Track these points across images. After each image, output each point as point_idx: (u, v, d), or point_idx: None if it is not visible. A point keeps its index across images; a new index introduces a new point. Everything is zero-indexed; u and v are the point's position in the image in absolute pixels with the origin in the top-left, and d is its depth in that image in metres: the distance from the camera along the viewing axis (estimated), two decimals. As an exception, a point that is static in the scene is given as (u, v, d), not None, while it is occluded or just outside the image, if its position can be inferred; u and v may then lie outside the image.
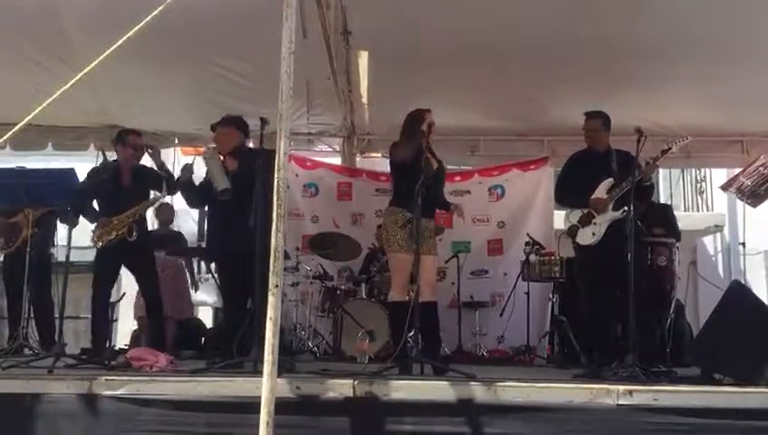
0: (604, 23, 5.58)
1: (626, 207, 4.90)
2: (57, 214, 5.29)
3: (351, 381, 3.70)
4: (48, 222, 6.25)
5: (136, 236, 5.50)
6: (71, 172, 4.82)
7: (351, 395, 3.65)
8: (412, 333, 4.46)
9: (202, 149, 5.82)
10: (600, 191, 5.24)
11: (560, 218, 7.98)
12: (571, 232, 5.36)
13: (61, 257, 5.63)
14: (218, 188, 5.13)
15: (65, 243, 5.03)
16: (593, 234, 5.21)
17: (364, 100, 7.10)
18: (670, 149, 5.13)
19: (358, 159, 8.65)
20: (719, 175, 10.41)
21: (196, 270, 8.60)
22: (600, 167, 5.32)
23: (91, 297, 5.84)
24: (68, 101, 6.11)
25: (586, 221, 5.28)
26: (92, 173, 5.54)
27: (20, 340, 5.54)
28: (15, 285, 6.21)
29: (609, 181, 5.20)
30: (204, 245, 8.80)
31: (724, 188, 7.34)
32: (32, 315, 6.55)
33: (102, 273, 5.79)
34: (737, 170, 8.19)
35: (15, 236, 6.22)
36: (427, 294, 4.93)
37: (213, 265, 8.33)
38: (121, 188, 5.68)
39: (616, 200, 5.19)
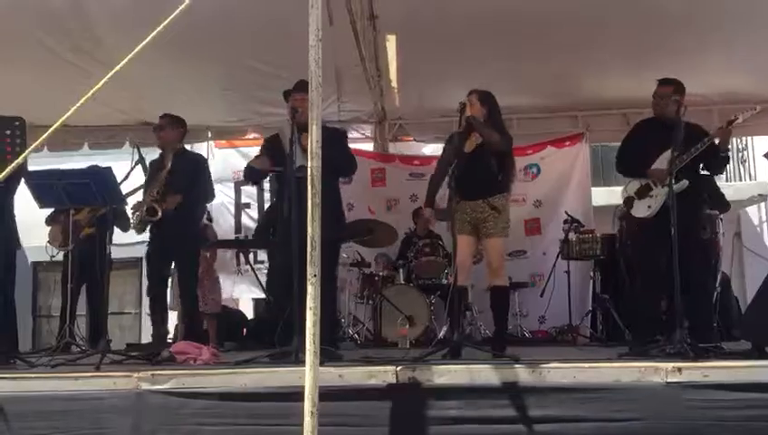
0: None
1: (685, 180, 4.75)
2: (114, 214, 5.33)
3: (394, 367, 3.69)
4: (105, 221, 6.34)
5: (160, 215, 5.44)
6: (107, 171, 4.86)
7: (395, 381, 3.64)
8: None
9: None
10: (662, 162, 4.98)
11: (597, 195, 7.91)
12: (628, 204, 5.20)
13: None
14: (297, 165, 4.57)
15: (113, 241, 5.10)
16: (649, 206, 5.02)
17: (394, 84, 7.04)
18: (737, 119, 4.93)
19: (390, 144, 8.61)
20: (761, 143, 10.16)
21: (235, 262, 8.71)
22: (666, 137, 4.93)
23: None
24: (102, 100, 6.22)
25: (643, 193, 5.09)
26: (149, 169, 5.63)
27: (66, 337, 5.62)
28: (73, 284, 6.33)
29: (670, 152, 4.98)
30: (241, 236, 8.95)
31: (768, 155, 7.10)
32: (84, 313, 6.74)
33: (151, 273, 5.84)
34: (780, 137, 8.01)
35: (74, 235, 6.34)
36: (491, 279, 4.86)
37: (251, 257, 8.48)
38: (171, 173, 5.67)
39: (677, 173, 4.84)
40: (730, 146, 5.20)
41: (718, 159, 5.12)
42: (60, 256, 6.79)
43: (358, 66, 6.55)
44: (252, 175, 5.50)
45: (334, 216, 5.25)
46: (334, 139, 5.21)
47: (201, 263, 7.06)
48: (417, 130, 8.38)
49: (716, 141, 5.01)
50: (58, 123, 3.12)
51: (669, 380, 3.53)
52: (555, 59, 6.67)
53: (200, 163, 6.16)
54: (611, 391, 3.54)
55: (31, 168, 5.27)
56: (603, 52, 6.47)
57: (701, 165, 5.08)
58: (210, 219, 7.56)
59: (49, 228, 6.95)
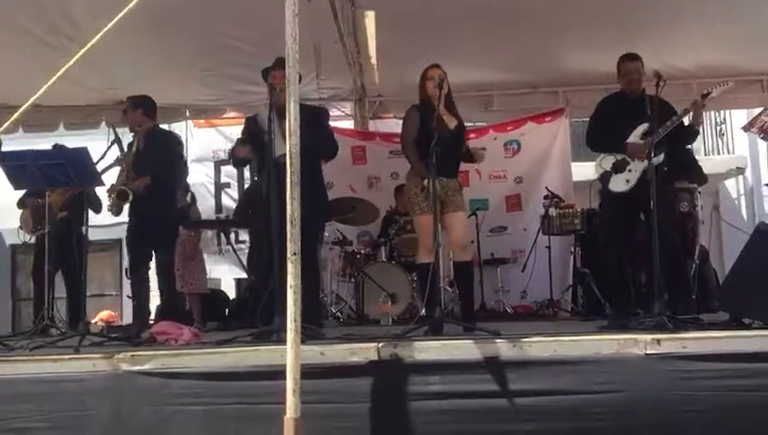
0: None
1: (662, 153, 4.77)
2: (85, 196, 5.24)
3: (375, 344, 3.69)
4: (77, 204, 6.25)
5: (131, 198, 5.37)
6: (83, 151, 4.77)
7: (376, 358, 3.64)
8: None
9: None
10: (635, 137, 5.04)
11: (577, 170, 7.92)
12: (604, 179, 5.21)
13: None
14: (277, 153, 4.36)
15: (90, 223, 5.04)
16: (627, 181, 5.05)
17: (373, 61, 6.98)
18: (710, 93, 4.96)
19: (370, 121, 8.57)
20: (739, 116, 10.23)
21: (216, 241, 8.67)
22: (634, 112, 5.03)
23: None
24: (77, 79, 6.11)
25: (620, 168, 5.12)
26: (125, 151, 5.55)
27: (45, 320, 5.57)
28: (45, 267, 6.25)
29: (643, 126, 5.01)
30: (223, 217, 8.90)
31: (746, 128, 7.19)
32: (61, 296, 6.67)
33: (131, 256, 5.80)
34: (758, 110, 8.06)
35: (49, 218, 6.26)
36: (458, 254, 4.89)
37: (233, 236, 8.44)
38: (138, 154, 5.60)
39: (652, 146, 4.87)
40: (703, 119, 5.21)
41: (690, 132, 5.17)
42: (33, 240, 6.71)
43: (337, 43, 6.50)
44: (236, 161, 5.66)
45: (321, 198, 5.24)
46: (316, 119, 5.15)
47: (186, 243, 7.00)
48: (398, 107, 8.32)
49: (690, 115, 5.05)
50: (29, 102, 3.07)
51: (648, 351, 3.55)
52: (535, 35, 6.65)
53: (170, 140, 6.10)
54: (591, 364, 3.56)
55: (6, 148, 5.19)
56: (584, 27, 6.46)
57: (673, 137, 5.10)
58: (194, 200, 7.50)
59: (20, 212, 6.86)
